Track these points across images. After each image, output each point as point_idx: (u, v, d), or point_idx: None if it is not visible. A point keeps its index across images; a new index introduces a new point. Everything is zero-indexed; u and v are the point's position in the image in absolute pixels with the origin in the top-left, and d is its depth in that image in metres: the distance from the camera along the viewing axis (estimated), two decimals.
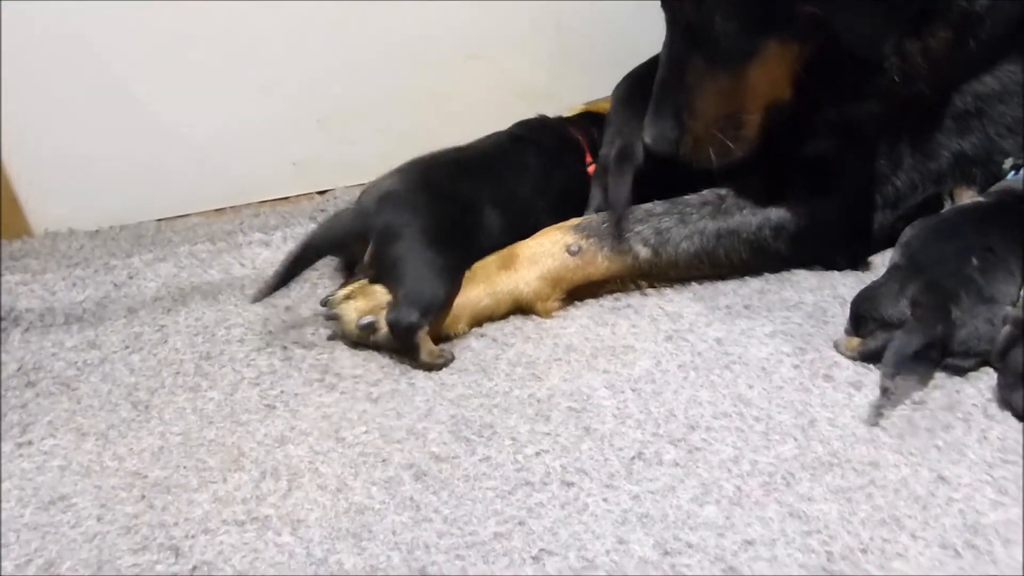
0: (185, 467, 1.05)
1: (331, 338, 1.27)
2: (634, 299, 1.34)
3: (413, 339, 1.17)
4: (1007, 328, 1.12)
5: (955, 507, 0.97)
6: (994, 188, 1.32)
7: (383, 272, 1.23)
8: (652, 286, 1.35)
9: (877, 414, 1.09)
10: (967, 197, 1.35)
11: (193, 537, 0.96)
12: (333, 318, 1.25)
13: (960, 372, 1.14)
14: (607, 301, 1.34)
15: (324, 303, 1.28)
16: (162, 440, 1.09)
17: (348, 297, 1.26)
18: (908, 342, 1.08)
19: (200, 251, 1.48)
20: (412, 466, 1.05)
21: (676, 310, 1.31)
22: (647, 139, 1.30)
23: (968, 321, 1.12)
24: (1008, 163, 1.33)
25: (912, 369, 1.12)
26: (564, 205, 1.39)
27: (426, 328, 1.18)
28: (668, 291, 1.35)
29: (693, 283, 1.36)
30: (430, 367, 1.19)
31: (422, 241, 1.21)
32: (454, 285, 1.23)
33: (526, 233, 1.32)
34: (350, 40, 1.66)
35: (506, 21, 1.73)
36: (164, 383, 1.19)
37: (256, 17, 1.57)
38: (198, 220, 1.62)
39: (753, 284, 1.36)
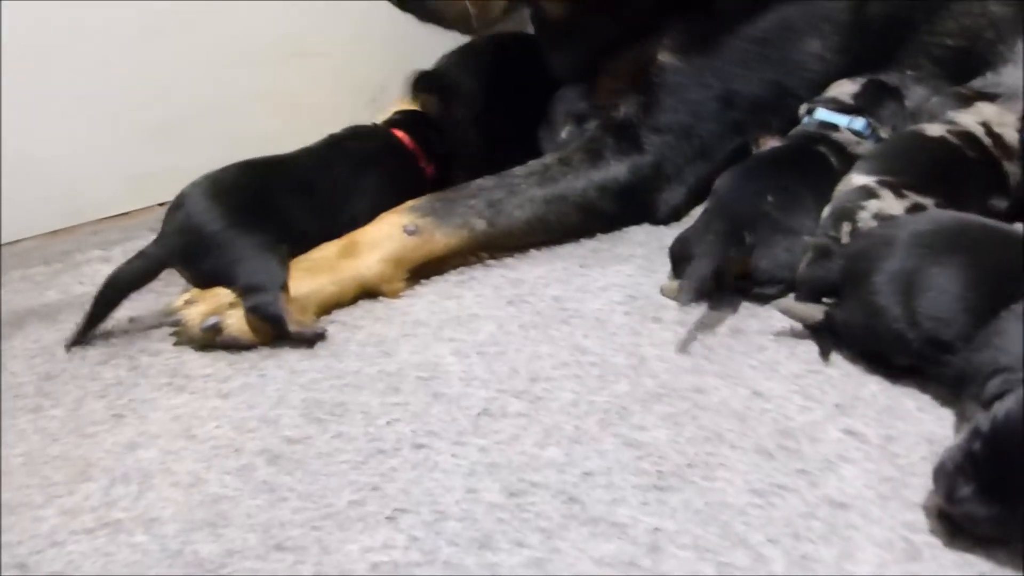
0: (29, 486, 1.03)
1: (178, 344, 1.27)
2: (478, 271, 1.40)
3: (280, 314, 1.18)
4: (808, 255, 1.23)
5: (768, 416, 1.07)
6: (791, 133, 1.44)
7: (211, 283, 1.24)
8: (494, 257, 1.41)
9: (690, 341, 1.18)
10: (769, 145, 1.47)
11: (40, 552, 0.94)
12: (177, 324, 1.25)
13: (767, 299, 1.24)
14: (452, 276, 1.39)
15: (167, 311, 1.28)
16: (4, 464, 1.07)
17: (189, 302, 1.26)
18: (702, 264, 1.18)
19: (35, 274, 1.45)
20: (265, 452, 1.06)
21: (517, 276, 1.37)
22: None
23: (767, 252, 1.23)
24: (803, 108, 1.45)
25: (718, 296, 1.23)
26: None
27: (284, 298, 1.19)
28: (509, 260, 1.42)
29: (532, 250, 1.43)
30: (305, 338, 1.21)
31: (226, 234, 1.23)
32: (280, 258, 1.24)
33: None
34: (183, 47, 1.65)
35: (338, 17, 1.75)
36: (2, 408, 1.16)
37: (83, 29, 1.53)
38: (32, 244, 1.57)
39: (588, 245, 1.45)
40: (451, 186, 1.42)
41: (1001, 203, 1.32)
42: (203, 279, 1.26)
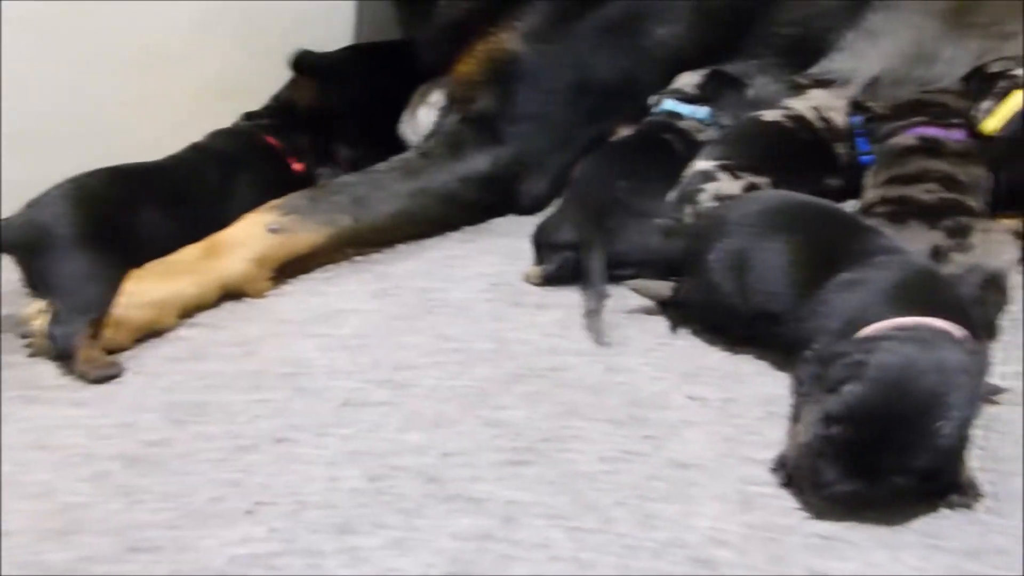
0: None
1: (33, 355, 1.23)
2: (344, 267, 1.41)
3: (69, 351, 1.15)
4: (658, 237, 1.29)
5: (621, 388, 1.12)
6: (642, 122, 1.51)
7: (39, 284, 1.21)
8: (361, 253, 1.42)
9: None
10: (624, 133, 1.53)
11: None
12: (27, 336, 1.22)
13: (623, 280, 1.30)
14: (319, 273, 1.39)
15: (19, 321, 1.24)
16: None
17: (42, 311, 1.22)
18: (594, 258, 1.22)
19: None
20: (121, 456, 1.05)
21: (384, 271, 1.39)
22: None
23: (623, 236, 1.28)
24: (652, 99, 1.52)
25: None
26: None
27: (85, 334, 1.16)
28: (377, 255, 1.43)
29: (400, 245, 1.45)
30: (89, 378, 1.15)
31: (70, 245, 1.20)
32: (111, 287, 1.22)
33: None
34: (41, 52, 1.59)
35: (201, 21, 1.72)
36: None
37: None
38: None
39: (455, 237, 1.48)
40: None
41: (834, 182, 1.42)
42: (32, 278, 1.22)
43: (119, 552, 0.92)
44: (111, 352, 1.21)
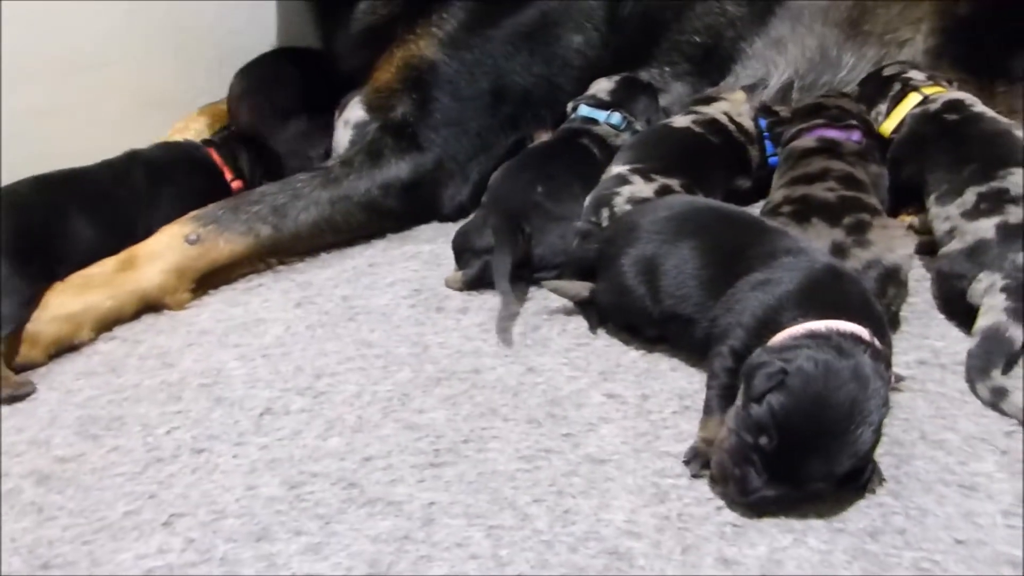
0: None
1: None
2: (267, 277, 1.40)
3: None
4: (577, 240, 1.32)
5: (539, 388, 1.14)
6: (559, 128, 1.54)
7: None
8: (283, 262, 1.42)
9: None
10: (542, 139, 1.56)
11: None
12: None
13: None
14: (241, 283, 1.39)
15: None
16: None
17: None
18: (501, 261, 1.25)
19: None
20: (34, 473, 1.03)
21: (306, 279, 1.39)
22: None
23: (542, 239, 1.31)
24: (569, 106, 1.55)
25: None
26: None
27: (6, 344, 1.14)
28: (300, 264, 1.43)
29: (323, 253, 1.45)
30: (2, 398, 1.13)
31: None
32: (29, 301, 1.20)
33: None
34: None
35: (125, 28, 1.69)
36: None
37: None
38: None
39: (378, 245, 1.48)
40: None
41: (744, 182, 1.46)
42: None
43: (32, 569, 0.91)
44: (25, 368, 1.19)
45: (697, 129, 1.43)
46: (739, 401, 0.97)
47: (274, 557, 0.92)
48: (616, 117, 1.47)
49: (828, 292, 1.06)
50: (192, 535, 0.94)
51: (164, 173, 1.44)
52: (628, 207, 1.28)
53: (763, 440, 0.93)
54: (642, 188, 1.31)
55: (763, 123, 1.49)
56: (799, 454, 0.93)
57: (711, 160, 1.41)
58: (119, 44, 1.68)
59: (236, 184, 1.52)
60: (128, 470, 1.03)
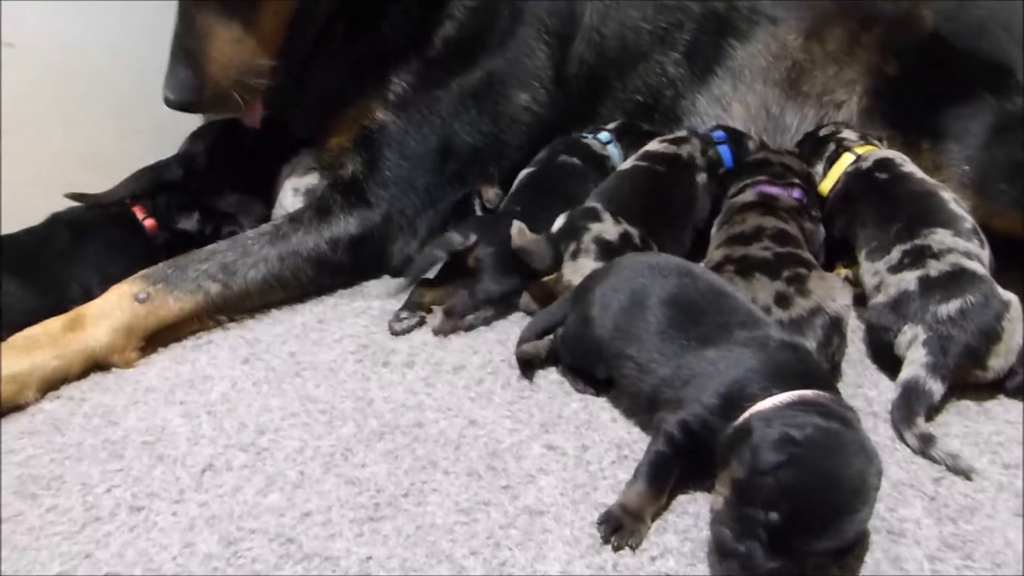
0: None
1: None
2: (216, 334, 1.41)
3: None
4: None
5: (480, 441, 1.16)
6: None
7: None
8: (233, 319, 1.43)
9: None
10: (492, 195, 1.60)
11: None
12: None
13: (487, 322, 1.37)
14: (189, 341, 1.39)
15: None
16: None
17: None
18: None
19: None
20: None
21: (255, 336, 1.40)
22: (167, 93, 1.34)
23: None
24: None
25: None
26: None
27: None
28: (249, 321, 1.44)
29: (274, 310, 1.47)
30: None
31: None
32: None
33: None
34: None
35: (67, 91, 1.71)
36: None
37: None
38: None
39: (328, 301, 1.50)
40: None
41: (701, 218, 1.50)
42: None
43: None
44: None
45: (643, 164, 1.48)
46: (737, 472, 0.94)
47: None
48: (604, 135, 1.60)
49: (789, 364, 1.06)
50: None
51: (84, 229, 1.47)
52: (593, 245, 1.32)
53: (774, 517, 0.89)
54: (610, 229, 1.35)
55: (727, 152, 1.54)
56: (807, 529, 0.90)
57: (661, 193, 1.46)
58: (57, 106, 1.70)
59: (151, 229, 1.53)
60: (65, 529, 1.03)
